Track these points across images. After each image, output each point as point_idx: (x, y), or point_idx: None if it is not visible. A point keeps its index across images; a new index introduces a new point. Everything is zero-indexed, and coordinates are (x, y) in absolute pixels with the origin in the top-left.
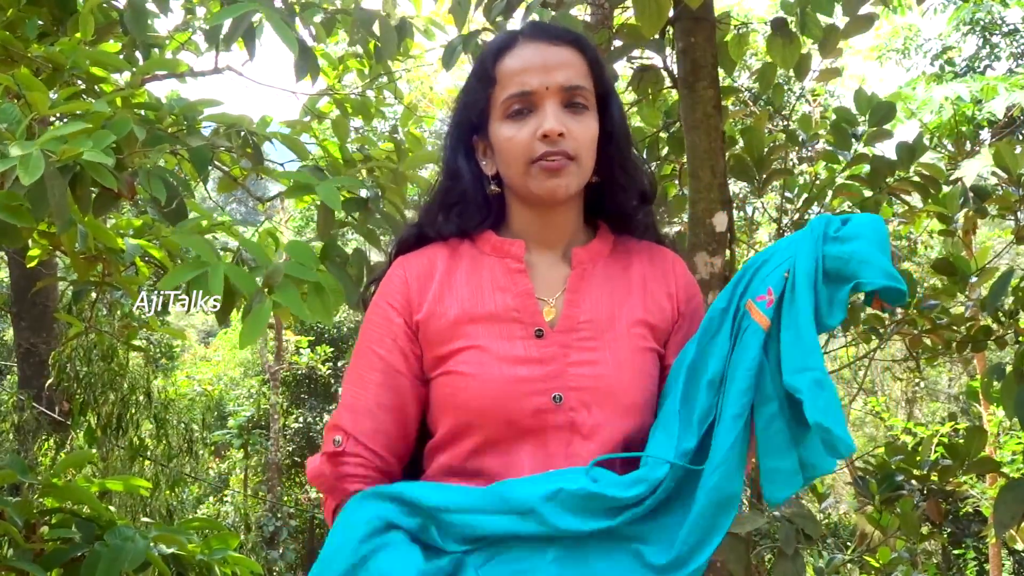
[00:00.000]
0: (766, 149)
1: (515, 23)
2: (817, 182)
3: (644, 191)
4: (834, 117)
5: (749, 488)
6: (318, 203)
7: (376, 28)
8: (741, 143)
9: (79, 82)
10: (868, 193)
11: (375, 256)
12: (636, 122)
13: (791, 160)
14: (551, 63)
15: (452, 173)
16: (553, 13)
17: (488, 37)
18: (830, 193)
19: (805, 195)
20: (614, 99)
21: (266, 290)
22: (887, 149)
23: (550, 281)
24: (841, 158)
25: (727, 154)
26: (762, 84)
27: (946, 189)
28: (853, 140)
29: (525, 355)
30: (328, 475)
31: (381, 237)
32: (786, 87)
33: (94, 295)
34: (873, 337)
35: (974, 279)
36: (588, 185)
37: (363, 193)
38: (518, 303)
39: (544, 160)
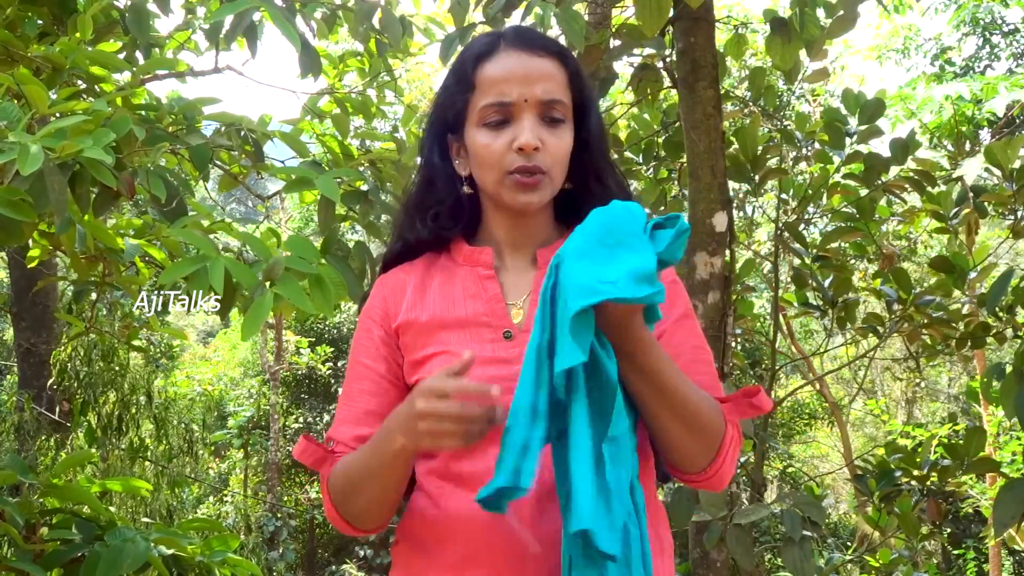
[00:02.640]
0: (760, 148)
1: (514, 22)
2: (813, 181)
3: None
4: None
5: (749, 487)
6: (318, 200)
7: (377, 22)
8: (735, 144)
9: (79, 82)
10: (864, 191)
11: (377, 249)
12: (635, 123)
13: (788, 160)
14: (532, 75)
15: (428, 173)
16: (556, 10)
17: (487, 31)
18: (825, 192)
19: (802, 195)
20: (592, 109)
21: (267, 283)
22: (885, 149)
23: (520, 284)
24: (836, 157)
25: None
26: (753, 88)
27: (944, 187)
28: (847, 139)
29: (493, 356)
30: (319, 449)
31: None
32: (785, 88)
33: (94, 295)
34: (872, 336)
35: (972, 275)
36: (563, 190)
37: (363, 187)
38: (487, 308)
39: (518, 174)
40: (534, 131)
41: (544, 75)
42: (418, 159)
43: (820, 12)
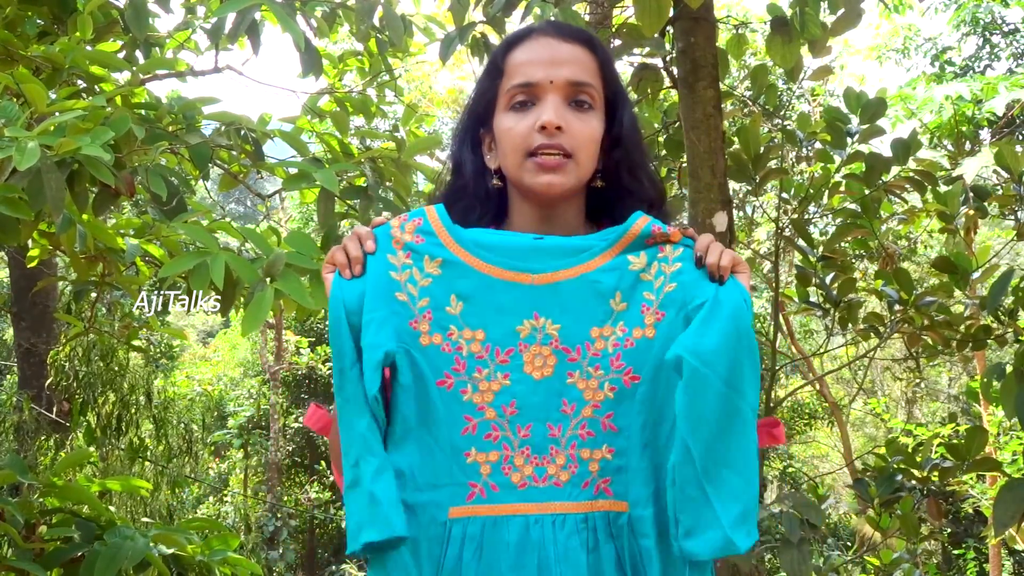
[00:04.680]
0: (762, 148)
1: (514, 22)
2: (814, 181)
3: (652, 200)
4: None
5: None
6: (319, 194)
7: (377, 20)
8: (737, 143)
9: (79, 82)
10: (865, 191)
11: None
12: None
13: (789, 160)
14: (559, 58)
15: (457, 165)
16: (556, 10)
17: (486, 31)
18: (826, 192)
19: (803, 195)
20: (625, 104)
21: (268, 279)
22: (885, 148)
23: None
24: (836, 157)
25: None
26: (755, 86)
27: (946, 187)
28: (848, 139)
29: None
30: (327, 415)
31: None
32: (784, 87)
33: (94, 295)
34: (873, 336)
35: (975, 276)
36: (595, 189)
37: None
38: None
39: (540, 155)
40: (557, 111)
41: (572, 59)
42: (444, 148)
43: (824, 6)
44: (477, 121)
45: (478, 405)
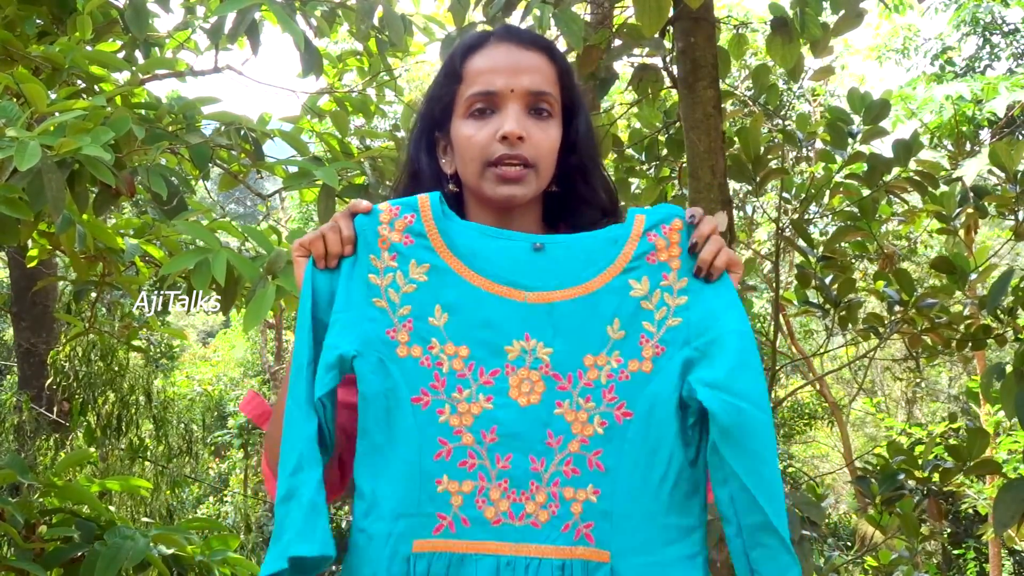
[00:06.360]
0: (763, 149)
1: (514, 22)
2: (814, 181)
3: (605, 207)
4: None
5: None
6: (319, 192)
7: (377, 20)
8: (737, 144)
9: (79, 82)
10: (866, 191)
11: None
12: (635, 123)
13: (789, 160)
14: (520, 66)
15: (413, 169)
16: (555, 11)
17: (486, 31)
18: (827, 192)
19: (803, 195)
20: (581, 112)
21: (269, 276)
22: (886, 149)
23: None
24: (838, 157)
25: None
26: (757, 86)
27: (945, 188)
28: (849, 139)
29: None
30: (264, 404)
31: None
32: (785, 87)
33: (94, 295)
34: (873, 336)
35: (973, 276)
36: (550, 193)
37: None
38: None
39: (502, 165)
40: (519, 121)
41: (532, 67)
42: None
43: (826, 7)
44: (433, 124)
45: (455, 428)
